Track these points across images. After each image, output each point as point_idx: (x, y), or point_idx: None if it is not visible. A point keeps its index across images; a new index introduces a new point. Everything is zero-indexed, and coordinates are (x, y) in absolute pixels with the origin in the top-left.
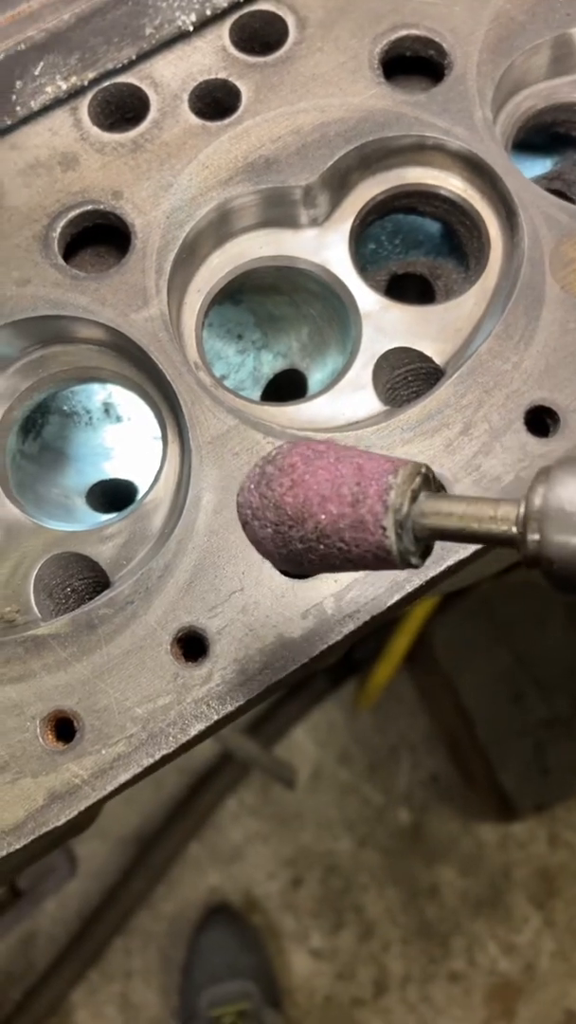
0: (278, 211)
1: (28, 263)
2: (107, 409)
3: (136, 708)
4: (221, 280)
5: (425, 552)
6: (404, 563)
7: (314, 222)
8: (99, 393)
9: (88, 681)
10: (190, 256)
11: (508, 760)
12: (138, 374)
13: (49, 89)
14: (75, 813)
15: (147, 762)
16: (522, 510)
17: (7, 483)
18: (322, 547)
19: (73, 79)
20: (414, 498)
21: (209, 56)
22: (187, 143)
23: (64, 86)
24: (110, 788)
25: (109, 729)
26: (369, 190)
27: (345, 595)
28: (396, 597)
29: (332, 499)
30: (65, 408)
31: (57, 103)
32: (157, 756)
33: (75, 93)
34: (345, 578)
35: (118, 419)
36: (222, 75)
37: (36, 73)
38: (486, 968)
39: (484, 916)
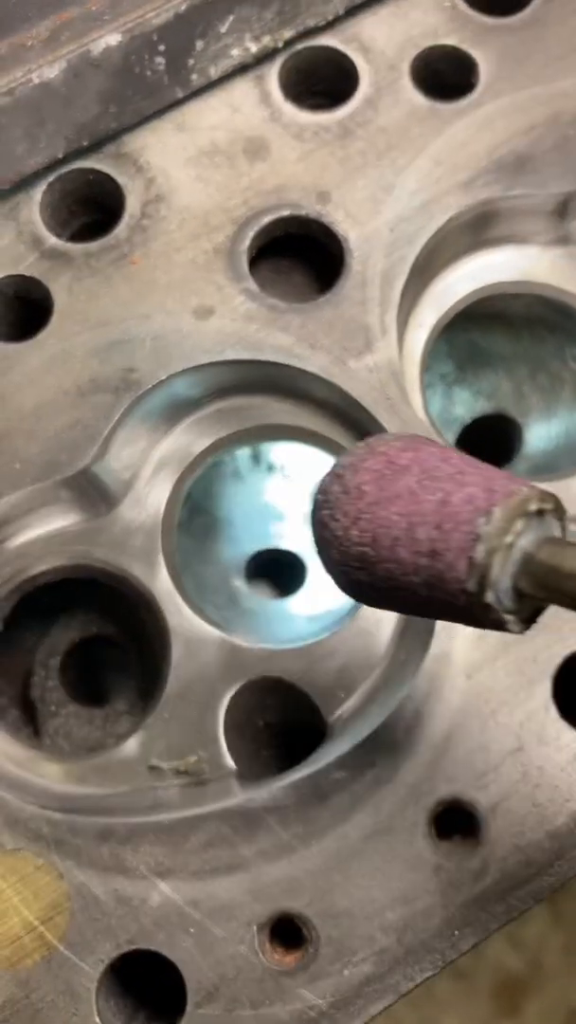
0: (525, 223)
1: (209, 286)
2: (255, 457)
3: (387, 912)
4: (450, 311)
5: (533, 616)
6: (499, 629)
7: (565, 240)
8: None
9: (320, 874)
10: (417, 281)
11: None
12: (350, 439)
13: (235, 52)
14: None
15: (406, 987)
16: None
17: (181, 582)
18: (399, 598)
19: (266, 39)
20: (511, 547)
21: (433, 14)
22: (411, 130)
23: (254, 48)
24: None
25: (352, 941)
26: None
27: None
28: None
29: (405, 543)
30: None
31: (241, 70)
32: (419, 979)
33: (264, 58)
34: None
35: (270, 469)
36: (451, 41)
37: (223, 31)
38: (492, 964)
39: None
